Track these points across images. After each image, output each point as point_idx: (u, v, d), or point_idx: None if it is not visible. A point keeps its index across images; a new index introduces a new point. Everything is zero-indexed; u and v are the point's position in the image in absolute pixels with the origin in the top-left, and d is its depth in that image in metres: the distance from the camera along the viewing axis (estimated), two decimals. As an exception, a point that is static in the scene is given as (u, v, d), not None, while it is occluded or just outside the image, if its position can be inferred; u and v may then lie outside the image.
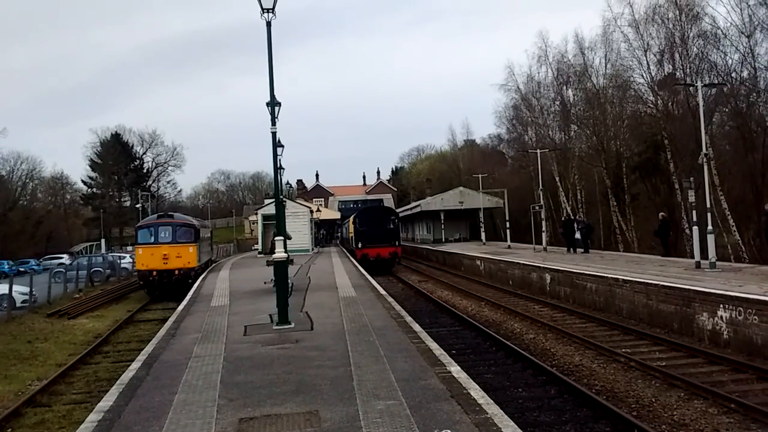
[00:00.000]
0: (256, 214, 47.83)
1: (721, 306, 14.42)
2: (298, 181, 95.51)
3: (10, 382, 14.53)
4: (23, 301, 24.84)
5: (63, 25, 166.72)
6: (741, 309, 13.78)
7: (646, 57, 41.12)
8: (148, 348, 12.50)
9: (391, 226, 40.48)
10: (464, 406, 7.68)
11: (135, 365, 10.88)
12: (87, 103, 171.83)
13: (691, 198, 22.13)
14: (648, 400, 10.94)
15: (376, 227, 39.92)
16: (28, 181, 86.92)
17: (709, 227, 20.71)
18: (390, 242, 39.55)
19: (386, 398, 8.09)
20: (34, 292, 25.81)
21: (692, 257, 22.69)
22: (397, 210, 55.18)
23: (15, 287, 24.37)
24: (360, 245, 39.31)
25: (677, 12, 38.51)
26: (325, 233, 67.90)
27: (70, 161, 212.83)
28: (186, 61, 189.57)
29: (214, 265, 37.95)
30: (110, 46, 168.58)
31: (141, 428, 7.41)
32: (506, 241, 43.88)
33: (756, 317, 13.29)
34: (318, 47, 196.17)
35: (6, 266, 52.48)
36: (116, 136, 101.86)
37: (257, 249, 45.24)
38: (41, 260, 61.13)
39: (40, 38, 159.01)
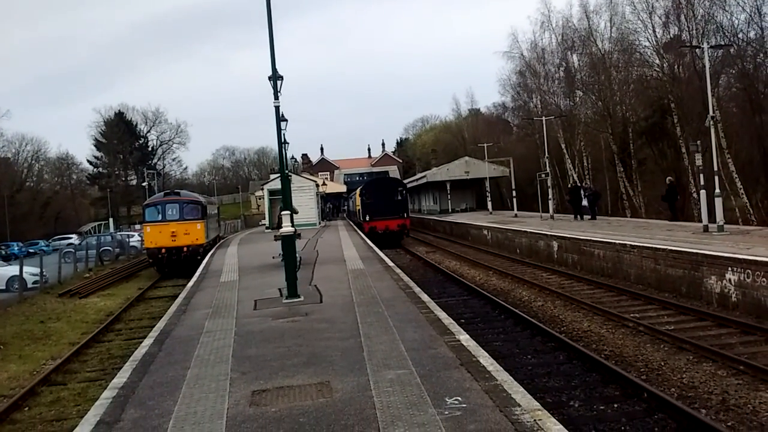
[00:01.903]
0: (262, 189, 47.78)
1: (730, 269, 14.41)
2: (303, 155, 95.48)
3: (24, 362, 14.71)
4: (34, 282, 25.06)
5: (54, 4, 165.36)
6: (749, 271, 13.77)
7: (651, 19, 40.71)
8: (160, 324, 12.62)
9: (399, 197, 39.61)
10: (474, 373, 7.74)
11: (147, 342, 11.00)
12: (88, 83, 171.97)
13: (699, 162, 22.00)
14: (657, 364, 11.00)
15: (384, 199, 39.09)
16: (33, 162, 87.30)
17: (717, 191, 20.62)
18: (398, 214, 38.81)
19: (396, 368, 8.16)
20: (44, 273, 26.00)
21: (700, 221, 22.63)
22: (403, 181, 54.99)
23: (25, 268, 24.59)
24: (367, 218, 38.66)
25: (683, -28, 37.93)
26: (331, 207, 67.91)
27: (75, 141, 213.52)
28: (184, 36, 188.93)
29: (222, 241, 38.08)
30: (105, 24, 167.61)
31: (155, 403, 7.51)
32: (513, 209, 43.83)
33: (765, 279, 13.29)
34: (316, 19, 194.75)
35: (16, 248, 52.83)
36: (120, 115, 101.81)
37: (264, 224, 45.29)
38: (50, 241, 61.51)
39: (35, 18, 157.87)
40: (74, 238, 60.35)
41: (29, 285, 24.61)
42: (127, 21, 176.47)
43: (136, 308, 21.87)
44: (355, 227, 42.03)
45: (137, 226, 63.42)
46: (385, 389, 7.34)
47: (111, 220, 77.05)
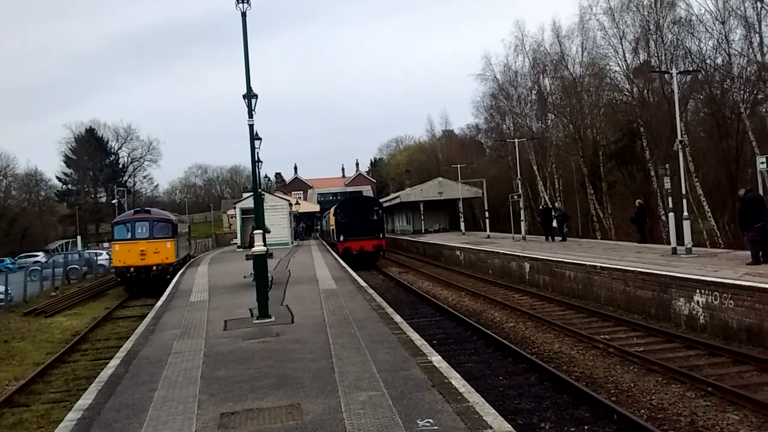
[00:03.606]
0: (235, 208, 47.42)
1: (698, 291, 14.60)
2: (277, 174, 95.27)
3: (-14, 382, 14.33)
4: (-1, 300, 24.53)
5: (23, 18, 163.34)
6: (717, 294, 13.96)
7: (621, 45, 41.46)
8: (127, 345, 12.39)
9: (375, 217, 38.67)
10: (446, 395, 7.71)
11: (114, 362, 10.78)
12: (59, 98, 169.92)
13: (667, 185, 22.36)
14: (627, 386, 11.06)
15: (359, 219, 38.12)
16: (1, 178, 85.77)
17: (685, 213, 20.93)
18: (374, 234, 37.77)
19: (368, 389, 8.10)
20: (9, 291, 25.47)
21: (669, 243, 22.96)
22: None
23: (-10, 286, 24.07)
24: (342, 238, 37.59)
25: (653, -1, 38.79)
26: (304, 226, 67.65)
27: (44, 157, 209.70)
28: (156, 53, 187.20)
29: (192, 260, 37.67)
30: (76, 39, 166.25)
31: (121, 426, 7.34)
32: (485, 230, 44.03)
33: (732, 301, 13.48)
34: (290, 38, 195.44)
35: (-20, 265, 51.70)
36: (90, 131, 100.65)
37: (236, 243, 44.95)
38: (16, 258, 60.32)
39: (3, 31, 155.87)
40: (41, 256, 59.21)
41: (-7, 303, 24.08)
42: (99, 37, 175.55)
43: (103, 328, 21.48)
44: (328, 247, 41.75)
45: (106, 244, 62.54)
46: (356, 411, 7.27)
47: (79, 237, 75.77)
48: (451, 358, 11.84)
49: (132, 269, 28.36)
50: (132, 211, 34.35)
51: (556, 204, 40.97)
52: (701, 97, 38.58)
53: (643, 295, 16.87)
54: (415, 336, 11.35)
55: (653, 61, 39.15)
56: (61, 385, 14.02)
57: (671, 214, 22.12)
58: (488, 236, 41.22)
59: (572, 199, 49.41)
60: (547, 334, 15.69)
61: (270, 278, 15.53)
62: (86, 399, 8.60)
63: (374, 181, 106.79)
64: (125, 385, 9.20)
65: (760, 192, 18.83)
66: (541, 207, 42.69)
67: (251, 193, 23.82)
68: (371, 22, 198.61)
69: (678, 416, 9.44)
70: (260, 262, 14.18)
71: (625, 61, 41.76)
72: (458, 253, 35.25)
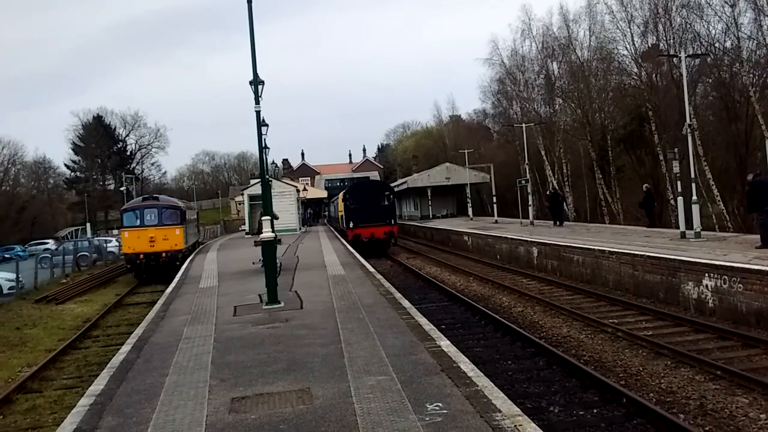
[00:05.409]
0: (243, 194, 47.52)
1: (706, 275, 14.58)
2: (284, 160, 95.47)
3: (-1, 368, 14.49)
4: (10, 288, 24.74)
5: (28, 6, 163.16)
6: (726, 277, 13.94)
7: (630, 28, 41.25)
8: (138, 331, 12.48)
9: (386, 202, 37.10)
10: (454, 379, 7.74)
11: (125, 348, 10.87)
12: (65, 86, 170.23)
13: (676, 169, 22.25)
14: (635, 369, 11.08)
15: (370, 204, 36.61)
16: (10, 166, 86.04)
17: (694, 197, 20.83)
18: (385, 221, 36.26)
19: (377, 374, 8.14)
20: (20, 279, 25.65)
21: (677, 227, 22.88)
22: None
23: (1, 274, 24.27)
24: (351, 225, 36.20)
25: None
26: (312, 212, 67.72)
27: (53, 145, 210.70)
28: (161, 39, 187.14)
29: (201, 246, 37.82)
30: (80, 26, 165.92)
31: (133, 411, 7.41)
32: (493, 216, 44.00)
33: (740, 285, 13.45)
34: (296, 23, 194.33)
35: (-9, 253, 52.05)
36: (98, 119, 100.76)
37: (244, 229, 45.05)
38: (26, 246, 60.65)
39: (8, 19, 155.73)
40: (51, 244, 59.59)
41: (5, 291, 24.31)
42: (103, 24, 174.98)
43: (114, 314, 21.63)
44: (336, 233, 41.59)
45: (115, 232, 62.79)
46: (365, 395, 7.31)
47: (88, 225, 76.10)
48: (460, 343, 11.88)
49: (141, 256, 28.52)
50: (141, 198, 34.47)
51: (553, 189, 40.69)
52: (710, 80, 38.33)
53: (651, 280, 16.85)
54: (423, 321, 11.38)
55: (662, 44, 38.88)
56: (73, 371, 14.14)
57: (680, 198, 22.03)
58: (496, 221, 41.17)
59: (581, 184, 49.26)
60: (556, 319, 15.71)
61: (279, 264, 15.58)
62: (98, 385, 8.67)
63: (381, 166, 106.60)
64: (137, 370, 9.28)
65: (770, 175, 18.70)
66: (548, 192, 42.56)
67: (259, 180, 23.84)
68: (375, 6, 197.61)
69: (687, 400, 9.46)
70: (269, 248, 14.23)
71: (634, 44, 41.59)
72: (466, 238, 35.24)
